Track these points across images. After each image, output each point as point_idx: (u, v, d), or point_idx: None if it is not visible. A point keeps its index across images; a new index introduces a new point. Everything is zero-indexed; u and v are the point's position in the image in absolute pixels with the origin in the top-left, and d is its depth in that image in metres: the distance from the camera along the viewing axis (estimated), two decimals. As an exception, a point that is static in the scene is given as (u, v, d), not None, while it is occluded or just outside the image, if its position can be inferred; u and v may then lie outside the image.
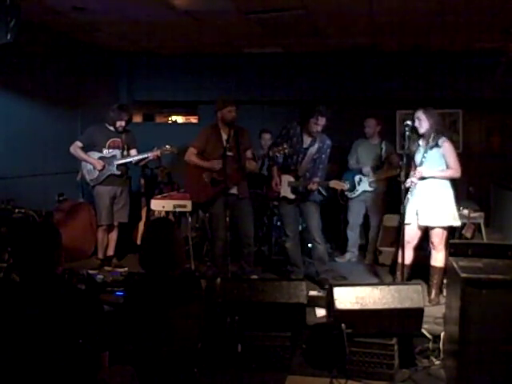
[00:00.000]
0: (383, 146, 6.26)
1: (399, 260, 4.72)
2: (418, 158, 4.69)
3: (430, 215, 4.60)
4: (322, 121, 5.07)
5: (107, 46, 7.64)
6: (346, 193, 6.40)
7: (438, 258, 4.70)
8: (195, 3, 5.46)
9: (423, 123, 4.60)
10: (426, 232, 4.75)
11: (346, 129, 7.27)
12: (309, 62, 7.91)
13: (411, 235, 4.67)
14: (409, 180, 4.66)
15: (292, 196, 5.23)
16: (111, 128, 5.72)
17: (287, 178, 5.23)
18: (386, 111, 7.58)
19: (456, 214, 4.68)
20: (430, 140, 4.59)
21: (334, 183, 5.20)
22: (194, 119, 9.23)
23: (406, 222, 4.63)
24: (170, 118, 9.69)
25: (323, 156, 5.24)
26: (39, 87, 6.42)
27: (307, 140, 5.22)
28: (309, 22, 6.04)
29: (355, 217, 6.39)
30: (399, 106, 7.69)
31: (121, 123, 5.66)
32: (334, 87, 7.87)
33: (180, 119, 9.72)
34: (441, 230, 4.65)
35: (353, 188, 6.32)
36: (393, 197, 5.91)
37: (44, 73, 6.47)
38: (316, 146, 5.19)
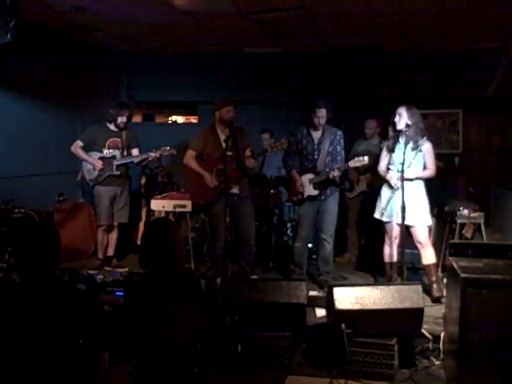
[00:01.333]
0: (382, 146, 6.24)
1: (392, 260, 4.85)
2: (398, 156, 4.70)
3: (412, 215, 4.61)
4: (320, 112, 5.07)
5: (107, 45, 7.64)
6: (345, 193, 6.41)
7: (428, 256, 4.78)
8: (195, 3, 5.46)
9: (402, 120, 4.66)
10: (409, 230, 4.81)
11: (345, 129, 7.25)
12: (309, 62, 7.91)
13: (395, 232, 4.75)
14: (394, 181, 4.74)
15: (315, 192, 5.19)
16: (112, 127, 5.71)
17: (308, 177, 5.21)
18: (385, 111, 7.57)
19: (429, 213, 4.86)
20: (411, 142, 4.64)
21: (352, 162, 5.17)
22: (193, 119, 9.24)
23: (388, 219, 4.81)
24: (169, 118, 9.70)
25: (338, 147, 5.23)
26: (39, 87, 6.42)
27: (317, 136, 5.21)
28: (309, 22, 6.04)
29: (354, 217, 6.38)
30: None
31: (122, 119, 5.66)
32: (333, 87, 7.87)
33: (180, 119, 9.73)
34: (426, 228, 4.78)
35: (351, 188, 6.32)
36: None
37: (44, 73, 6.47)
38: (328, 139, 5.18)
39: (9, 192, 5.57)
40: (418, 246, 4.78)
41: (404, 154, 4.56)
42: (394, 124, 4.73)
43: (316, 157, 5.20)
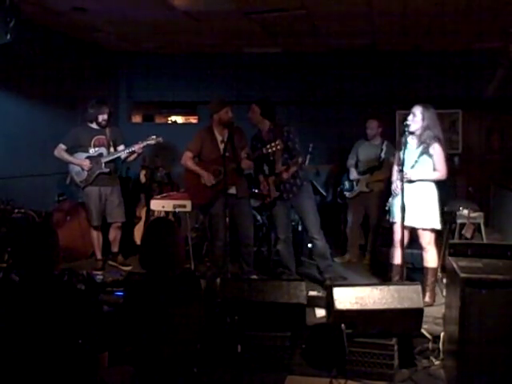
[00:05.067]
0: (384, 147, 6.20)
1: (394, 261, 4.65)
2: (407, 157, 4.55)
3: (417, 217, 4.55)
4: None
5: (107, 45, 7.65)
6: (344, 193, 6.40)
7: (428, 259, 4.66)
8: (195, 3, 5.46)
9: (416, 120, 4.53)
10: (414, 231, 4.70)
11: (345, 129, 7.27)
12: (309, 62, 7.91)
13: (401, 233, 4.58)
14: (394, 185, 4.61)
15: (277, 193, 5.17)
16: (94, 126, 5.66)
17: (271, 180, 5.20)
18: (386, 111, 7.59)
19: (439, 217, 4.62)
20: (423, 145, 4.53)
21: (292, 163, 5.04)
22: (193, 119, 9.22)
23: (393, 220, 4.66)
24: (169, 119, 9.69)
25: (289, 143, 5.09)
26: (39, 87, 6.42)
27: (266, 137, 5.17)
28: (309, 22, 6.05)
29: (354, 217, 6.37)
30: (399, 106, 7.69)
31: (103, 117, 5.61)
32: (333, 87, 7.87)
33: (180, 119, 9.71)
34: (428, 231, 4.60)
35: (351, 188, 6.31)
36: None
37: (44, 73, 6.47)
38: (277, 138, 4.99)
39: (9, 192, 5.57)
40: (422, 247, 4.69)
41: (404, 154, 4.51)
42: (406, 124, 4.51)
43: (272, 158, 5.12)
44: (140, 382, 2.59)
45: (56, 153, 5.64)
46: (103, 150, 5.65)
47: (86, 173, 5.60)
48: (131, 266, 5.75)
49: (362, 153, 6.33)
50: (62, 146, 5.62)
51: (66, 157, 5.64)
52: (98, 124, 5.64)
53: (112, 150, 5.69)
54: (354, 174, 6.29)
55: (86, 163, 5.57)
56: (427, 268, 4.68)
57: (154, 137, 5.67)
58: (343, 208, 6.58)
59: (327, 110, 7.94)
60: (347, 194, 6.36)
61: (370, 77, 7.73)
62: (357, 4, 5.35)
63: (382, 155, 6.17)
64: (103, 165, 5.61)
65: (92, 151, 5.63)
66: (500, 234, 6.49)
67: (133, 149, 5.63)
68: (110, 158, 5.65)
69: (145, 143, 5.64)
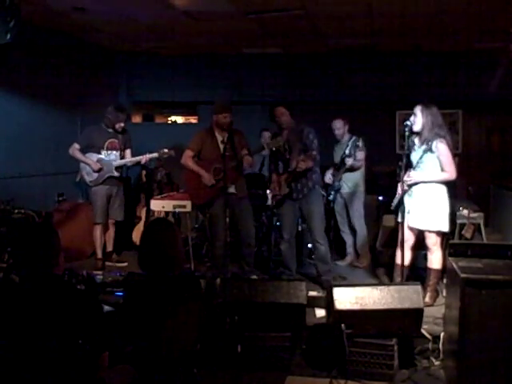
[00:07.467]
0: (349, 143, 6.11)
1: (397, 261, 4.62)
2: (413, 158, 4.58)
3: (422, 218, 4.53)
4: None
5: (107, 45, 7.65)
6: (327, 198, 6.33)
7: (432, 260, 4.63)
8: (195, 3, 5.47)
9: (418, 120, 4.50)
10: (421, 233, 4.68)
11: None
12: (309, 62, 7.92)
13: (406, 234, 4.57)
14: (399, 187, 4.56)
15: (287, 190, 5.16)
16: (109, 129, 5.72)
17: (284, 177, 5.19)
18: (385, 111, 7.59)
19: (447, 219, 4.57)
20: (425, 143, 4.49)
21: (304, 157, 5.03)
22: (193, 119, 9.24)
23: (397, 221, 4.62)
24: (169, 119, 9.70)
25: (307, 143, 5.07)
26: (39, 87, 6.42)
27: (285, 136, 5.18)
28: (309, 22, 6.05)
29: (341, 218, 6.29)
30: (399, 106, 7.70)
31: (120, 125, 5.70)
32: (333, 87, 7.87)
33: (180, 119, 9.73)
34: (434, 233, 4.57)
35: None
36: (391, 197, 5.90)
37: (44, 73, 6.47)
38: (296, 137, 5.07)
39: (9, 192, 5.57)
40: (427, 248, 4.66)
41: (409, 155, 4.51)
42: (406, 124, 4.49)
43: (288, 157, 5.13)
44: (140, 382, 2.59)
45: (70, 151, 5.71)
46: (115, 154, 5.73)
47: (96, 174, 5.67)
48: (126, 262, 5.78)
49: (336, 154, 6.26)
50: (77, 146, 5.70)
51: (79, 156, 5.71)
52: (115, 130, 5.71)
53: (123, 153, 5.79)
54: (327, 177, 6.20)
55: (97, 166, 5.64)
56: (431, 269, 4.65)
57: (166, 150, 5.73)
58: (332, 213, 6.46)
59: (327, 111, 7.93)
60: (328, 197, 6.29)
61: (370, 77, 7.73)
62: (357, 4, 5.36)
63: (346, 151, 6.06)
64: (114, 169, 5.68)
65: (104, 154, 5.71)
66: (500, 233, 6.49)
67: (139, 159, 5.73)
68: (121, 163, 5.75)
69: (154, 155, 5.74)
